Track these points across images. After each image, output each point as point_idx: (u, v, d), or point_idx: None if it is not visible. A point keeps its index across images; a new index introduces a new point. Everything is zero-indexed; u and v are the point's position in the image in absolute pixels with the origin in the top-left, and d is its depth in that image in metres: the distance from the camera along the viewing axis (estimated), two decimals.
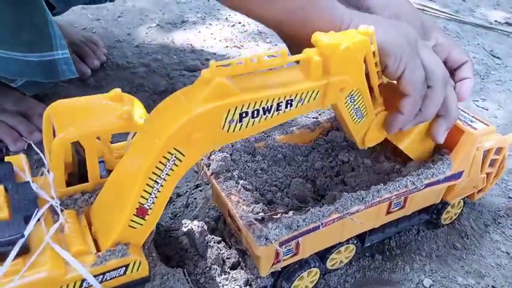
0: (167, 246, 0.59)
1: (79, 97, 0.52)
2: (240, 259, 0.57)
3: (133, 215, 0.43)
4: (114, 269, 0.43)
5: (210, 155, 0.58)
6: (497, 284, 0.63)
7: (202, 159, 0.58)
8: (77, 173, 0.52)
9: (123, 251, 0.43)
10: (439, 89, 0.53)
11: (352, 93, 0.50)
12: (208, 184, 0.61)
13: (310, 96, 0.46)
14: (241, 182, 0.56)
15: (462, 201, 0.69)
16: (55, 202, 0.46)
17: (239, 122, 0.43)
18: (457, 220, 0.71)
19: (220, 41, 1.17)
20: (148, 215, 0.43)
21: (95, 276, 0.42)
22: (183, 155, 0.41)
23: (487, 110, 1.02)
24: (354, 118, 0.53)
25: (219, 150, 0.59)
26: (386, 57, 0.49)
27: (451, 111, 0.56)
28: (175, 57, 1.09)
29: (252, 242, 0.48)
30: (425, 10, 1.44)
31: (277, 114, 0.45)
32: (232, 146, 0.61)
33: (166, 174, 0.42)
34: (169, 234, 0.60)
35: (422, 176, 0.57)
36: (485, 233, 0.71)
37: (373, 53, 0.49)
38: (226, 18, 1.28)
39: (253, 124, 0.44)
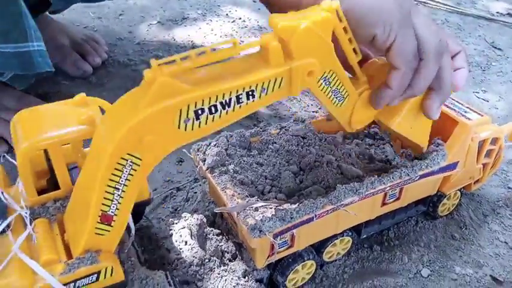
0: (168, 239, 0.60)
1: (45, 104, 0.52)
2: (236, 252, 0.58)
3: (98, 222, 0.42)
4: (84, 277, 0.42)
5: (206, 150, 0.59)
6: (495, 274, 0.63)
7: (197, 154, 0.59)
8: (49, 183, 0.51)
9: (92, 258, 0.42)
10: (431, 63, 0.48)
11: (325, 75, 0.46)
12: (204, 178, 0.62)
13: (274, 85, 0.42)
14: (236, 176, 0.57)
15: (459, 192, 0.70)
16: (24, 212, 0.45)
17: (196, 120, 0.40)
18: (456, 211, 0.72)
19: (220, 36, 1.17)
20: (114, 221, 0.42)
21: (64, 284, 0.42)
22: (140, 159, 0.39)
23: (488, 101, 1.02)
24: (333, 101, 0.49)
25: (214, 145, 0.60)
26: (374, 26, 0.45)
27: (445, 85, 0.51)
28: (176, 53, 1.09)
29: (246, 234, 0.48)
30: (427, 3, 1.43)
31: (240, 107, 0.41)
32: (228, 140, 0.61)
33: (126, 179, 0.40)
34: (170, 227, 0.61)
35: (416, 167, 0.57)
36: (484, 223, 0.71)
37: (344, 28, 0.45)
38: (227, 14, 1.29)
39: (213, 120, 0.41)
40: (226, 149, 0.60)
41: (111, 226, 0.43)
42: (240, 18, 1.26)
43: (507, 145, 0.69)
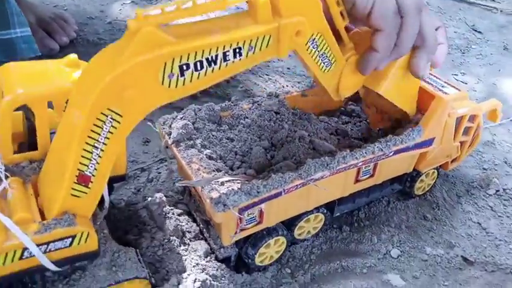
0: (126, 221, 0.57)
1: (33, 61, 0.50)
2: (203, 230, 0.55)
3: (75, 182, 0.40)
4: (59, 239, 0.41)
5: (172, 124, 0.56)
6: (467, 254, 0.62)
7: (163, 128, 0.56)
8: (26, 142, 0.50)
9: (69, 220, 0.41)
10: (412, 18, 0.48)
11: (313, 37, 0.45)
12: (171, 157, 0.59)
13: (262, 43, 0.41)
14: (204, 150, 0.55)
15: (436, 171, 0.68)
16: None
17: (181, 76, 0.38)
18: (429, 191, 0.70)
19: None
20: (92, 182, 0.41)
21: (37, 245, 0.40)
22: (120, 116, 0.38)
23: (466, 83, 1.01)
24: (321, 66, 0.48)
25: (181, 118, 0.57)
26: None
27: (429, 40, 0.51)
28: None
29: (210, 208, 0.46)
30: None
31: (226, 65, 0.40)
32: (196, 114, 0.58)
33: (105, 137, 0.39)
34: (129, 208, 0.58)
35: (390, 143, 0.55)
36: (457, 204, 0.70)
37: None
38: None
39: (198, 77, 0.39)
40: (193, 123, 0.57)
41: (88, 188, 0.41)
42: None
43: (488, 125, 0.67)
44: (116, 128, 0.39)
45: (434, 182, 0.70)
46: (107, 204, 0.49)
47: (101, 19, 1.10)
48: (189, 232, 0.55)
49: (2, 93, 0.46)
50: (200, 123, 0.58)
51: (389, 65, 0.52)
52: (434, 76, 0.63)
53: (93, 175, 0.41)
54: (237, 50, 0.40)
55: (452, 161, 0.67)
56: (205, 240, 0.55)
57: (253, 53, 0.41)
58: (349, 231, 0.63)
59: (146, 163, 0.71)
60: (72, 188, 0.40)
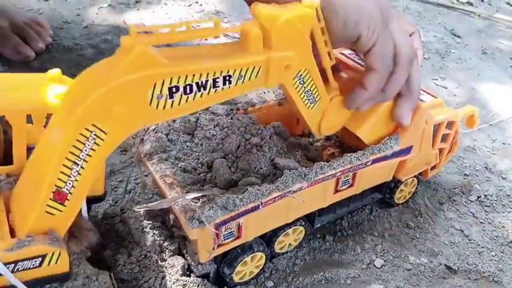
0: (104, 235, 0.55)
1: (15, 74, 0.48)
2: (180, 246, 0.54)
3: (50, 199, 0.39)
4: (27, 259, 0.39)
5: (144, 136, 0.55)
6: (450, 262, 0.61)
7: (135, 140, 0.55)
8: (1, 157, 0.48)
9: (40, 239, 0.39)
10: (405, 68, 0.50)
11: (300, 73, 0.46)
12: (143, 168, 0.57)
13: (251, 73, 0.42)
14: (178, 163, 0.53)
15: (416, 179, 0.67)
16: None
17: (169, 98, 0.38)
18: (411, 199, 0.70)
19: (175, 21, 1.12)
20: (68, 200, 0.39)
21: (5, 264, 0.38)
22: (105, 133, 0.37)
23: (446, 88, 1.01)
24: (305, 102, 0.49)
25: (153, 130, 0.55)
26: (361, 25, 0.45)
27: (414, 91, 0.53)
28: None
29: (185, 224, 0.45)
30: None
31: (215, 91, 0.41)
32: (170, 125, 0.57)
33: (87, 154, 0.38)
34: (106, 221, 0.56)
35: (368, 152, 0.54)
36: (439, 211, 0.70)
37: (322, 29, 0.45)
38: None
39: (186, 101, 0.39)
40: (167, 134, 0.56)
41: (64, 206, 0.40)
42: (197, 2, 1.21)
43: (463, 132, 0.67)
44: (98, 145, 0.38)
45: (415, 190, 0.69)
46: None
47: (77, 23, 1.08)
48: (168, 246, 0.54)
49: None
50: (174, 135, 0.57)
51: (371, 109, 0.54)
52: None
53: (70, 193, 0.39)
54: (227, 78, 0.41)
55: (431, 169, 0.67)
56: (183, 256, 0.53)
57: (243, 82, 0.42)
58: (333, 241, 0.62)
59: (124, 173, 0.69)
60: (48, 205, 0.39)
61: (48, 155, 0.38)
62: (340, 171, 0.52)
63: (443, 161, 0.68)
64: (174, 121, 0.58)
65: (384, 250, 0.62)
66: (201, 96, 0.40)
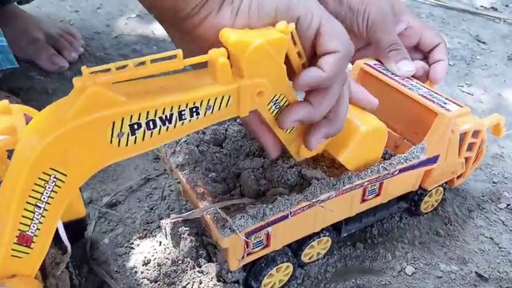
0: (142, 240, 0.57)
1: None
2: (211, 253, 0.55)
3: (15, 243, 0.37)
4: None
5: (176, 147, 0.56)
6: (480, 270, 0.62)
7: (167, 151, 0.56)
8: None
9: (6, 284, 0.38)
10: (335, 89, 0.44)
11: (276, 98, 0.43)
12: (176, 179, 0.58)
13: (221, 103, 0.39)
14: (208, 173, 0.54)
15: (442, 188, 0.68)
16: None
17: (132, 135, 0.36)
18: (441, 206, 0.70)
19: None
20: (34, 242, 0.38)
21: None
22: (65, 175, 0.35)
23: (472, 95, 1.01)
24: None
25: (185, 141, 0.56)
26: (295, 10, 0.40)
27: (339, 118, 0.46)
28: (155, 47, 1.07)
29: (216, 233, 0.46)
30: None
31: (182, 124, 0.38)
32: (200, 137, 0.58)
33: (49, 197, 0.36)
34: (144, 227, 0.59)
35: (394, 161, 0.54)
36: (469, 218, 0.70)
37: (298, 53, 0.42)
38: None
39: (151, 136, 0.37)
40: (197, 146, 0.57)
41: (31, 248, 0.38)
42: None
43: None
44: (60, 187, 0.36)
45: (443, 197, 0.70)
46: (69, 251, 0.47)
47: (107, 34, 1.11)
48: (202, 253, 0.55)
49: None
50: (204, 146, 0.58)
51: (352, 133, 0.50)
52: (436, 93, 0.62)
53: (35, 235, 0.38)
54: (194, 110, 0.38)
55: (457, 178, 0.67)
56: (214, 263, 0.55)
57: (212, 112, 0.39)
58: (363, 248, 0.63)
59: (158, 181, 0.71)
60: (13, 249, 0.37)
61: (8, 199, 0.36)
62: (368, 181, 0.53)
63: (470, 170, 0.68)
64: (204, 133, 0.59)
65: (414, 258, 0.62)
66: (166, 130, 0.37)
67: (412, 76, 0.64)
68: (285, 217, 0.48)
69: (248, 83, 0.39)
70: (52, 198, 0.36)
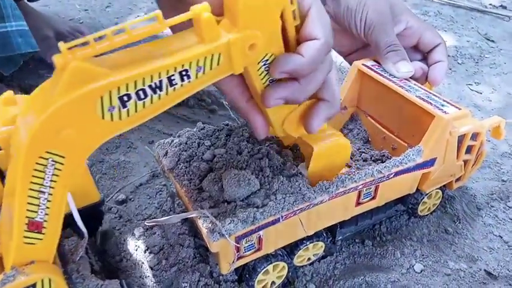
0: (148, 238, 0.58)
1: None
2: (203, 255, 0.55)
3: (26, 230, 0.37)
4: None
5: (168, 148, 0.55)
6: (490, 268, 0.62)
7: (159, 152, 0.55)
8: None
9: (24, 270, 0.38)
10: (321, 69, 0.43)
11: (266, 58, 0.41)
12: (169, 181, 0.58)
13: (212, 62, 0.37)
14: (200, 177, 0.53)
15: (440, 191, 0.66)
16: None
17: (123, 108, 0.34)
18: (450, 204, 0.70)
19: None
20: (45, 227, 0.38)
21: None
22: (63, 157, 0.35)
23: (481, 93, 1.01)
24: None
25: (178, 142, 0.55)
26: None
27: (336, 97, 0.46)
28: None
29: (206, 237, 0.45)
30: None
31: (174, 89, 0.36)
32: (192, 139, 0.57)
33: (51, 180, 0.35)
34: (152, 224, 0.59)
35: (390, 164, 0.53)
36: (477, 216, 0.70)
37: (293, 12, 0.40)
38: None
39: (144, 106, 0.35)
40: (190, 148, 0.55)
41: (43, 234, 0.38)
42: None
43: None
44: (60, 169, 0.35)
45: (440, 202, 0.68)
46: (85, 237, 0.48)
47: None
48: (201, 254, 0.55)
49: None
50: (197, 149, 0.56)
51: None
52: (434, 95, 0.60)
53: (45, 220, 0.38)
54: (184, 73, 0.36)
55: (456, 180, 0.66)
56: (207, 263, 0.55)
57: (204, 73, 0.37)
58: (372, 246, 0.63)
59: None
60: (25, 237, 0.38)
61: (12, 188, 0.36)
62: (362, 184, 0.52)
63: (469, 173, 0.66)
64: (200, 138, 0.57)
65: (423, 255, 0.62)
66: (159, 98, 0.36)
67: (411, 77, 0.63)
68: (276, 221, 0.47)
69: (239, 36, 0.37)
70: (55, 181, 0.36)
